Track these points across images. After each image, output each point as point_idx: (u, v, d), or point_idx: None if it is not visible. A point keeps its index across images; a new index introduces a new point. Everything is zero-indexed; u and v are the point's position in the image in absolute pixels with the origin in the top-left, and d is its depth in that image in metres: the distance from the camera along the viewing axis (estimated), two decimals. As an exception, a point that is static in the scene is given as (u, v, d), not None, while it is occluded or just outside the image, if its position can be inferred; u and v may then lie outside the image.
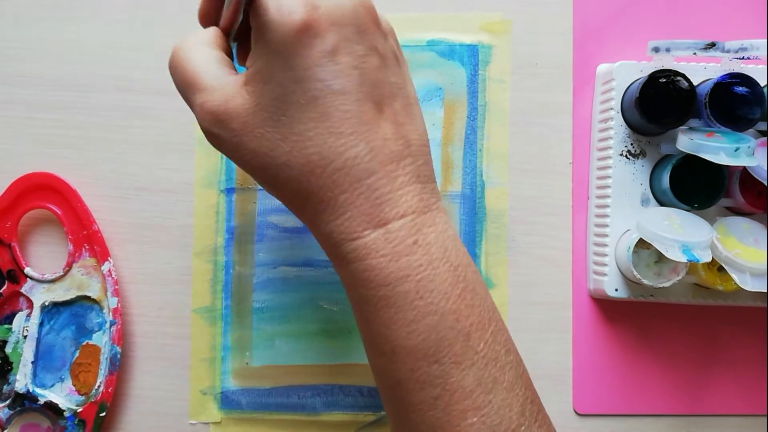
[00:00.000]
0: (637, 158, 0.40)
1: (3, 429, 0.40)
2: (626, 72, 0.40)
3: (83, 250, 0.41)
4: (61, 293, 0.41)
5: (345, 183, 0.29)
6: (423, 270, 0.29)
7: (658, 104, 0.38)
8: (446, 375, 0.29)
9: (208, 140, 0.31)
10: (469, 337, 0.29)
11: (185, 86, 0.31)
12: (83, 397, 0.41)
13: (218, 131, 0.30)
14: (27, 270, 0.41)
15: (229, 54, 0.32)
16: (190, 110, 0.42)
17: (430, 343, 0.29)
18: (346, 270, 0.30)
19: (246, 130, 0.29)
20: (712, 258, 0.37)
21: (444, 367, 0.29)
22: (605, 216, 0.40)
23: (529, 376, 0.31)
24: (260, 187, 0.42)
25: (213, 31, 0.32)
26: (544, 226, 0.43)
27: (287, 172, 0.29)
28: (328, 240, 0.30)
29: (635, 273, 0.38)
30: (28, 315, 0.41)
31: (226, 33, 0.32)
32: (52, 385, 0.41)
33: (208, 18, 0.32)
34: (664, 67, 0.39)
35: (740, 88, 0.38)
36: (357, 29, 0.29)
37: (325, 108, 0.29)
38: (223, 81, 0.30)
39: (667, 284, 0.38)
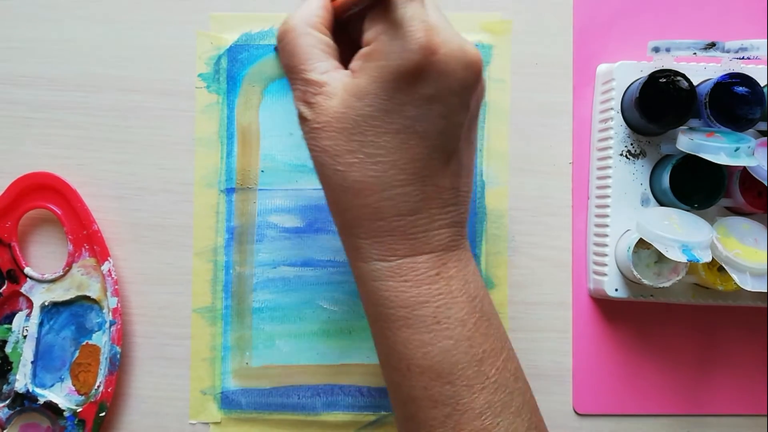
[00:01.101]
0: (637, 158, 0.40)
1: (3, 429, 0.40)
2: (626, 72, 0.40)
3: (83, 250, 0.41)
4: (60, 293, 0.41)
5: (387, 212, 0.30)
6: (442, 298, 0.30)
7: (658, 104, 0.38)
8: (458, 396, 0.30)
9: (298, 116, 0.32)
10: (482, 363, 0.30)
11: (290, 71, 0.31)
12: (83, 397, 0.41)
13: (307, 116, 0.31)
14: (27, 270, 0.41)
15: (332, 28, 0.32)
16: (190, 110, 0.42)
17: (444, 365, 0.30)
18: (367, 286, 0.31)
19: (326, 128, 0.30)
20: (712, 258, 0.37)
21: (456, 388, 0.30)
22: (605, 216, 0.40)
23: (536, 401, 0.32)
24: (260, 187, 0.42)
25: (322, 7, 0.32)
26: (544, 226, 0.43)
27: (339, 181, 0.30)
28: (354, 252, 0.31)
29: (635, 273, 0.38)
30: (28, 315, 0.41)
31: (340, 11, 0.32)
32: (52, 385, 0.41)
33: None
34: (664, 67, 0.39)
35: (740, 88, 0.38)
36: (462, 84, 0.30)
37: (400, 143, 0.30)
38: (325, 78, 0.31)
39: (667, 284, 0.38)
